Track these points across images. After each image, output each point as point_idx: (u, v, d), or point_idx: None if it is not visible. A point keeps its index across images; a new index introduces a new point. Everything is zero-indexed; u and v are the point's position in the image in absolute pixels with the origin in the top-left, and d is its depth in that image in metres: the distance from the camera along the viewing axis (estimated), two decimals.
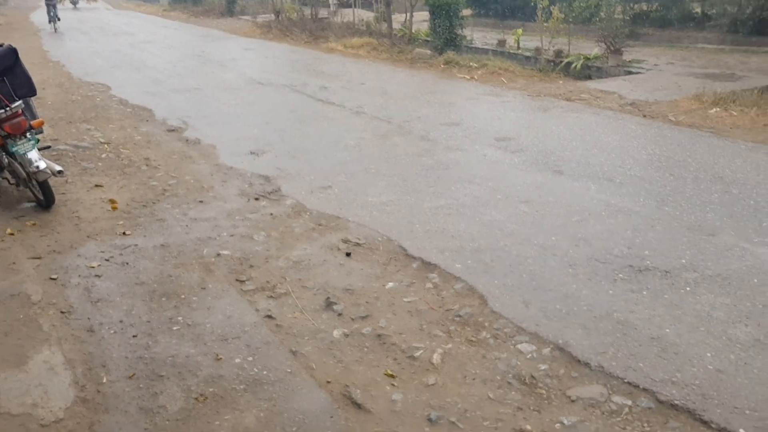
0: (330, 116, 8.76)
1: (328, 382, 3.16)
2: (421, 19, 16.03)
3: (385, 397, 3.04)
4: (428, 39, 14.70)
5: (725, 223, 4.76)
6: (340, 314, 3.75)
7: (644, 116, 8.07)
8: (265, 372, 3.23)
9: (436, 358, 3.32)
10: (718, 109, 7.98)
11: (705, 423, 2.80)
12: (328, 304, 3.85)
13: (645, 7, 15.31)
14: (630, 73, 11.17)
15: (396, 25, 16.00)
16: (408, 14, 15.55)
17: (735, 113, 7.79)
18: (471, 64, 12.07)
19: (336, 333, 3.57)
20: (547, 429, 2.81)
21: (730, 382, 3.04)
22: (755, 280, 3.94)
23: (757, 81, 9.64)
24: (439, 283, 4.08)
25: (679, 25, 14.66)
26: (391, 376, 3.19)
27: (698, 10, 14.21)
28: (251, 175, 6.25)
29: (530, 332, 3.51)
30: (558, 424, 2.83)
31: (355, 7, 19.65)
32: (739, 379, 3.06)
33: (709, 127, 7.44)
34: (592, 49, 12.37)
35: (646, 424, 2.82)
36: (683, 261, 4.21)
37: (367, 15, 19.05)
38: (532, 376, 3.15)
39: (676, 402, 2.92)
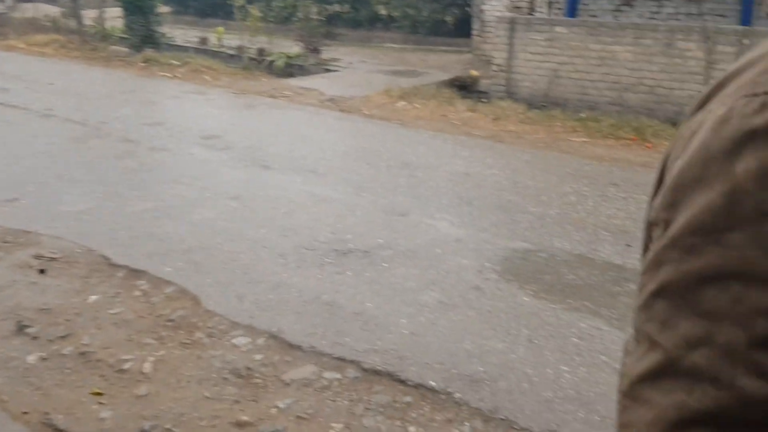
0: (12, 120, 7.82)
1: (25, 412, 2.86)
2: (116, 16, 15.04)
3: (92, 416, 2.85)
4: (124, 36, 13.86)
5: (413, 204, 5.33)
6: (35, 337, 3.41)
7: (341, 111, 8.63)
8: None
9: (147, 367, 3.20)
10: (404, 102, 8.86)
11: (403, 382, 3.13)
12: (20, 328, 3.46)
13: (339, 9, 16.28)
14: (328, 71, 11.82)
15: (88, 22, 14.79)
16: (99, 10, 14.47)
17: (418, 106, 8.73)
18: (172, 62, 11.69)
19: (31, 358, 3.24)
20: (263, 416, 2.89)
21: (422, 342, 3.44)
22: (438, 251, 4.49)
23: (435, 77, 10.90)
24: (148, 290, 3.92)
25: (369, 25, 15.88)
26: (99, 393, 3.00)
27: (384, 12, 15.53)
28: None
29: (245, 325, 3.56)
30: (274, 409, 2.93)
31: (36, 1, 17.69)
32: (428, 338, 3.48)
33: (397, 119, 8.23)
34: (293, 47, 12.83)
35: (354, 393, 3.06)
36: (380, 241, 4.63)
37: (53, 10, 17.28)
38: (248, 368, 3.21)
39: (378, 368, 3.22)
